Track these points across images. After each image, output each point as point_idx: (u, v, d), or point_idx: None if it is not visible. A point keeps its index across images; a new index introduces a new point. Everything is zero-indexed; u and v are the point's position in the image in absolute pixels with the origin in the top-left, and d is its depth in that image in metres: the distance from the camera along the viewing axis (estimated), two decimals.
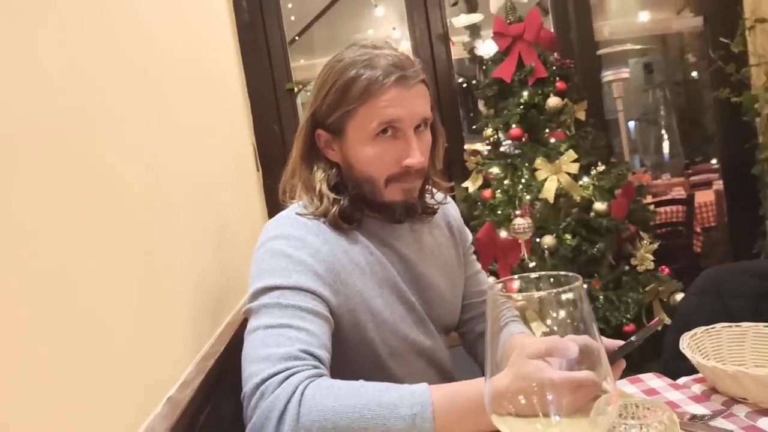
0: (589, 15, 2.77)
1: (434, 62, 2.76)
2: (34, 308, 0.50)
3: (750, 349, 0.88)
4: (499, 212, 2.22)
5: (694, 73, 6.99)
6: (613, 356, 0.78)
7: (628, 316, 2.02)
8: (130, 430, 0.65)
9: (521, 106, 2.24)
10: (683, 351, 0.84)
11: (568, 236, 2.12)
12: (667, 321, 1.90)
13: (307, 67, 4.72)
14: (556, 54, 2.45)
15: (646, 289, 2.08)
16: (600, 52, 5.21)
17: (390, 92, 0.96)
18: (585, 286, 2.03)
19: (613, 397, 0.50)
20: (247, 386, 0.81)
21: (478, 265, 1.29)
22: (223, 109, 1.80)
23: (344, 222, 1.03)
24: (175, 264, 0.96)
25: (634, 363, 1.16)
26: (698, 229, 3.65)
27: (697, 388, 0.86)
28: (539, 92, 2.23)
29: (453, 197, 1.25)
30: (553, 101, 2.20)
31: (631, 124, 8.16)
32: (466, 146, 2.72)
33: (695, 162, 5.87)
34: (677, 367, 0.98)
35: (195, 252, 1.08)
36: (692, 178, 4.76)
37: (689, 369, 0.89)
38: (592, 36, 2.81)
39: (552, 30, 2.71)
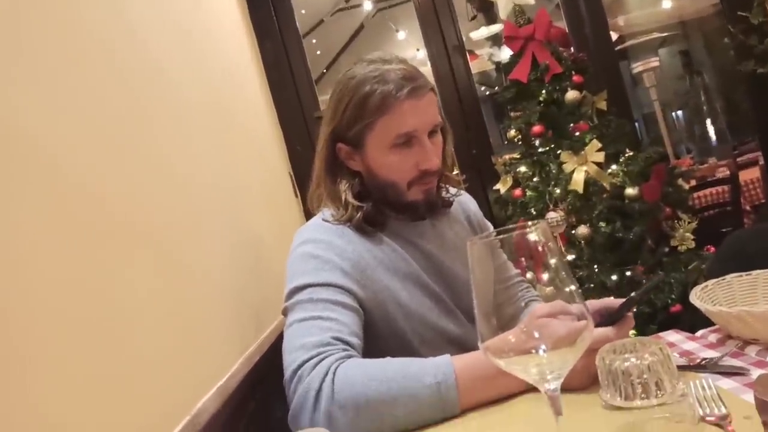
0: (601, 7, 2.80)
1: (453, 74, 2.82)
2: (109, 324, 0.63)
3: (762, 296, 0.90)
4: (531, 209, 2.26)
5: (724, 53, 6.82)
6: (618, 312, 0.82)
7: (673, 296, 2.01)
8: (187, 409, 0.75)
9: (541, 104, 2.29)
10: (693, 302, 0.87)
11: (602, 224, 2.14)
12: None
13: None
14: (571, 49, 2.50)
15: (689, 268, 2.06)
16: (625, 45, 5.20)
17: (404, 105, 1.03)
18: (628, 273, 2.00)
19: (589, 325, 0.56)
20: (287, 373, 0.90)
21: (504, 256, 1.35)
22: (256, 145, 1.94)
23: (369, 225, 1.10)
24: (212, 281, 1.06)
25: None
26: (747, 207, 3.55)
27: (713, 337, 0.88)
28: (557, 88, 2.28)
29: (467, 189, 1.32)
30: (571, 94, 2.24)
31: (677, 114, 7.98)
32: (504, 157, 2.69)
33: (743, 143, 5.68)
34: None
35: (232, 270, 1.19)
36: (739, 159, 4.62)
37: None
38: (606, 27, 2.83)
39: (565, 27, 2.76)
